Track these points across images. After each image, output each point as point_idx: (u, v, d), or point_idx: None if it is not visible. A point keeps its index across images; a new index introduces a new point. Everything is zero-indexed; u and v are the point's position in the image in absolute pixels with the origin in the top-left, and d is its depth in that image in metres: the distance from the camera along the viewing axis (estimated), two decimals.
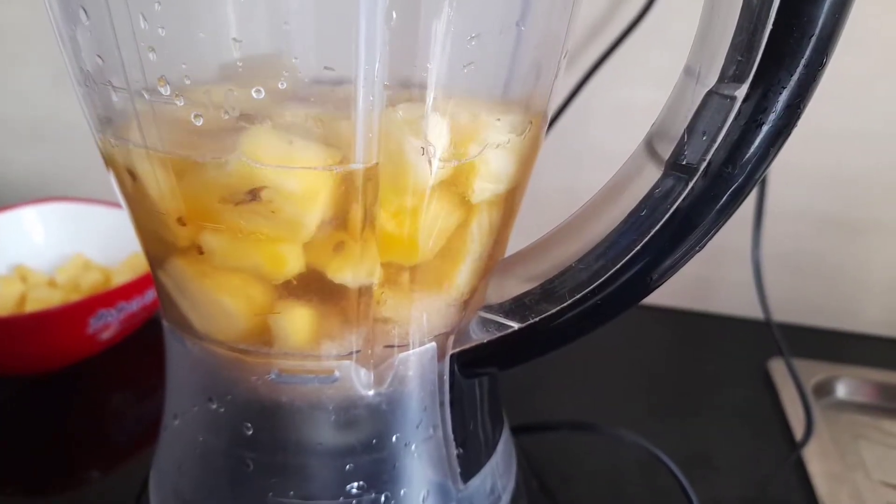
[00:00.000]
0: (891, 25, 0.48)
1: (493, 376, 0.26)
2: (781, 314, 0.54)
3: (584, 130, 0.53)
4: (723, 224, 0.21)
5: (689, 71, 0.21)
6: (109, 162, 0.21)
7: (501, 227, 0.23)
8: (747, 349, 0.53)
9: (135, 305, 0.47)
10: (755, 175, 0.20)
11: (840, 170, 0.52)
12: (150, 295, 0.48)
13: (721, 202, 0.20)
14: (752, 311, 0.53)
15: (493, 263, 0.25)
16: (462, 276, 0.23)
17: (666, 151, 0.21)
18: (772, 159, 0.20)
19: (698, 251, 0.21)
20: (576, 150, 0.54)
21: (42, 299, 0.48)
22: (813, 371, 0.50)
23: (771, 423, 0.46)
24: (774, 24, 0.18)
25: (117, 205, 0.54)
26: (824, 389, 0.50)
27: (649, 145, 0.22)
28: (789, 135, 0.20)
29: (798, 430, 0.45)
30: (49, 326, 0.42)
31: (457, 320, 0.24)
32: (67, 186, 0.63)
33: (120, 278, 0.50)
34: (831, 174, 0.53)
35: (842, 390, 0.50)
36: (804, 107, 0.19)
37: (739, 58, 0.19)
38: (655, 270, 0.21)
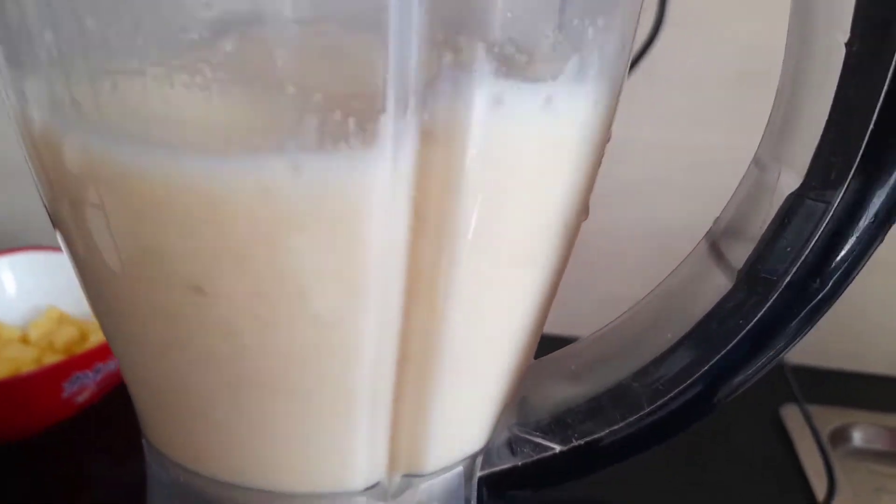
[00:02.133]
0: None
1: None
2: (790, 356, 0.52)
3: None
4: (801, 338, 0.18)
5: (762, 165, 0.18)
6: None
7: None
8: (758, 395, 0.51)
9: (112, 365, 0.44)
10: (843, 286, 0.17)
11: None
12: None
13: (802, 316, 0.18)
14: None
15: (530, 355, 0.21)
16: (498, 366, 0.20)
17: (736, 257, 0.18)
18: (862, 267, 0.17)
19: (771, 367, 0.18)
20: None
21: (14, 358, 0.45)
22: (827, 418, 0.49)
23: (789, 478, 0.44)
24: (877, 122, 0.15)
25: None
26: (840, 437, 0.48)
27: (714, 247, 0.19)
28: (884, 239, 0.17)
29: (817, 485, 0.43)
30: (20, 393, 0.39)
31: (487, 436, 0.21)
32: (40, 234, 0.59)
33: (97, 334, 0.47)
34: None
35: (858, 438, 0.48)
36: None
37: (833, 159, 0.16)
38: (722, 389, 0.19)
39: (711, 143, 0.49)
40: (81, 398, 0.43)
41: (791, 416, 0.49)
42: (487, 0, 0.14)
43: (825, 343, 0.55)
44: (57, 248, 0.50)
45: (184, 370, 0.18)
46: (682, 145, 0.50)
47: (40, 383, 0.40)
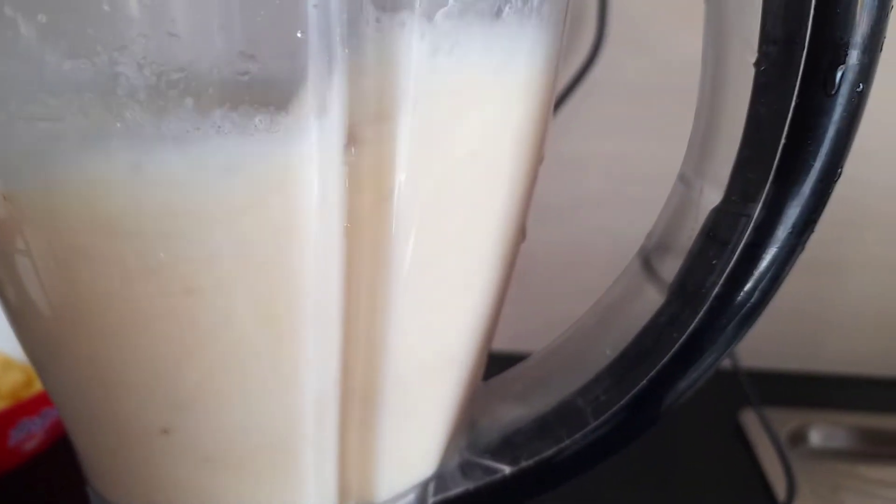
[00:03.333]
0: None
1: None
2: (745, 360, 0.53)
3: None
4: (737, 343, 0.19)
5: (686, 181, 0.19)
6: None
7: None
8: (715, 402, 0.52)
9: None
10: (769, 294, 0.18)
11: None
12: None
13: (733, 324, 0.18)
14: None
15: (476, 379, 0.22)
16: (444, 390, 0.20)
17: (666, 271, 0.18)
18: (786, 275, 0.18)
19: (711, 373, 0.19)
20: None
21: None
22: (784, 419, 0.49)
23: (749, 481, 0.44)
24: (788, 138, 0.16)
25: None
26: (797, 438, 0.49)
27: (646, 263, 0.19)
28: (804, 248, 0.18)
29: (778, 486, 0.43)
30: None
31: (437, 462, 0.21)
32: None
33: None
34: None
35: (815, 438, 0.49)
36: (818, 218, 0.17)
37: (750, 174, 0.17)
38: (665, 399, 0.19)
39: (655, 154, 0.50)
40: (29, 446, 0.41)
41: (749, 420, 0.50)
42: None
43: (778, 346, 0.56)
44: None
45: (121, 410, 0.18)
46: (626, 158, 0.51)
47: None
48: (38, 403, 0.40)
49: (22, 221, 0.15)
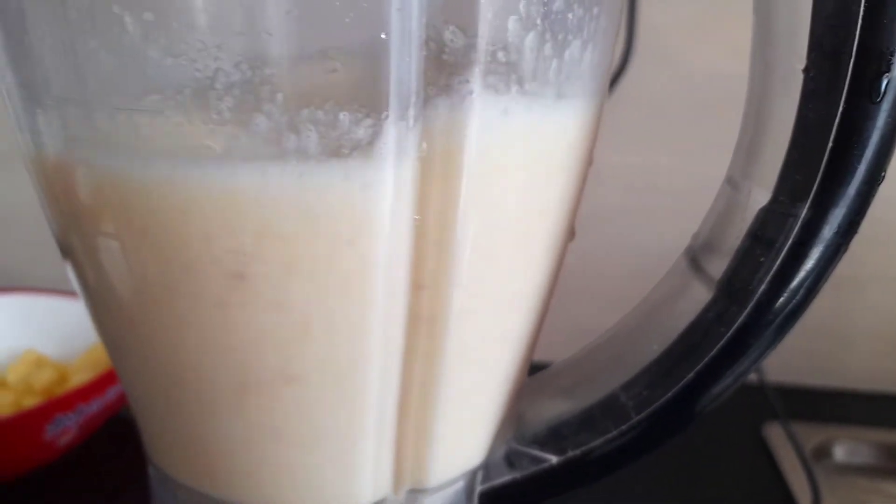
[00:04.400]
0: None
1: None
2: (771, 375, 0.53)
3: None
4: (777, 344, 0.19)
5: (733, 184, 0.19)
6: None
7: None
8: (740, 415, 0.52)
9: (95, 406, 0.44)
10: (813, 293, 0.19)
11: None
12: (111, 393, 0.45)
13: (778, 323, 0.19)
14: None
15: (524, 373, 0.22)
16: (496, 384, 0.21)
17: (714, 269, 0.19)
18: (829, 275, 0.19)
19: (749, 375, 0.20)
20: None
21: None
22: (808, 434, 0.49)
23: (774, 495, 0.44)
24: (834, 141, 0.17)
25: (71, 294, 0.50)
26: (822, 453, 0.49)
27: (694, 261, 0.20)
28: (847, 249, 0.18)
29: (803, 501, 0.43)
30: (1, 436, 0.38)
31: (486, 451, 0.22)
32: (15, 277, 0.59)
33: (77, 375, 0.47)
34: None
35: (840, 453, 0.49)
36: (862, 219, 0.18)
37: (797, 176, 0.17)
38: (705, 397, 0.20)
39: (676, 166, 0.51)
40: (63, 441, 0.42)
41: (774, 434, 0.50)
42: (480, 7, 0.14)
43: (801, 361, 0.56)
44: (32, 291, 0.51)
45: (193, 395, 0.18)
46: (646, 170, 0.52)
47: (22, 426, 0.39)
48: (73, 399, 0.41)
49: (117, 207, 0.16)
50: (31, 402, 0.44)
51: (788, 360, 0.55)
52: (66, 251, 0.19)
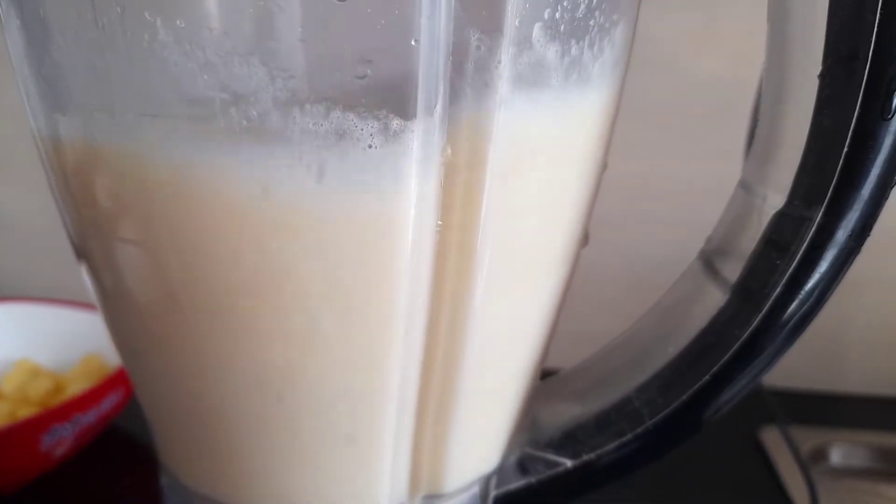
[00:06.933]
0: None
1: None
2: (768, 379, 0.54)
3: None
4: (789, 348, 0.20)
5: (747, 187, 0.20)
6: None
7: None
8: (737, 419, 0.52)
9: (91, 416, 0.43)
10: (825, 296, 0.19)
11: None
12: (108, 403, 0.44)
13: (792, 326, 0.19)
14: None
15: (536, 378, 0.22)
16: (511, 388, 0.21)
17: (729, 272, 0.19)
18: (842, 278, 0.19)
19: (761, 378, 0.20)
20: None
21: None
22: (805, 437, 0.50)
23: (771, 498, 0.45)
24: (850, 146, 0.17)
25: (65, 303, 0.50)
26: (818, 456, 0.49)
27: (709, 264, 0.20)
28: (860, 252, 0.19)
29: (800, 503, 0.44)
30: None
31: (500, 456, 0.22)
32: (7, 285, 0.58)
33: (73, 385, 0.46)
34: None
35: (836, 456, 0.50)
36: (874, 223, 0.18)
37: (813, 180, 0.18)
38: (719, 400, 0.20)
39: (674, 173, 0.51)
40: (59, 451, 0.41)
41: (770, 437, 0.50)
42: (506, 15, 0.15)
43: (801, 365, 0.57)
44: (27, 300, 0.50)
45: (210, 399, 0.18)
46: (644, 177, 0.52)
47: (18, 437, 0.38)
48: (69, 409, 0.40)
49: (144, 207, 0.16)
50: (26, 412, 0.44)
51: (785, 364, 0.56)
52: (83, 255, 0.19)
